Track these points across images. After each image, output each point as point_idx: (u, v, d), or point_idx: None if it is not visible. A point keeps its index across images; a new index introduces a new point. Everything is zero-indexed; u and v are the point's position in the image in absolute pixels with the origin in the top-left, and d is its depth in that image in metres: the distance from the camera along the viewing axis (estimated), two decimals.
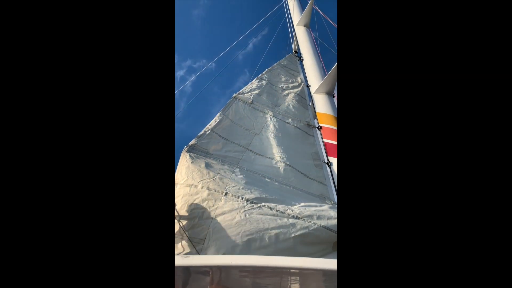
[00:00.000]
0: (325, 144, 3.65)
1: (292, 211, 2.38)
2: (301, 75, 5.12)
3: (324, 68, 5.19)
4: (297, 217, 2.32)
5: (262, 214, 2.27)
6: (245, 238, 2.08)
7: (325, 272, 1.53)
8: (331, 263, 1.49)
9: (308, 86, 4.84)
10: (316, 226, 2.29)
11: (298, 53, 5.78)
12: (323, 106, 4.22)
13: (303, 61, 5.41)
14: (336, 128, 3.88)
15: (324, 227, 2.31)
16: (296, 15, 6.56)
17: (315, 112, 4.26)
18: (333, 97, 4.42)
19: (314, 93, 4.50)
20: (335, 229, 2.34)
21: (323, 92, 4.42)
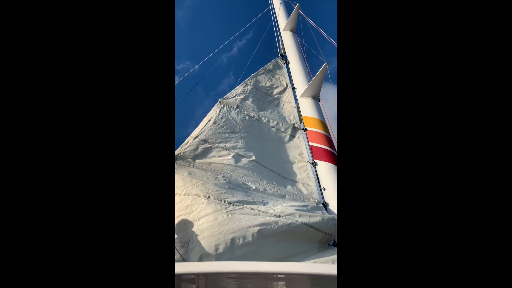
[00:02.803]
0: (311, 147, 3.66)
1: (274, 210, 2.43)
2: (287, 79, 5.15)
3: (309, 72, 5.24)
4: (279, 216, 2.35)
5: (245, 214, 2.31)
6: (228, 236, 2.10)
7: (311, 277, 1.51)
8: (315, 268, 1.47)
9: (294, 89, 4.88)
10: (298, 223, 2.32)
11: (284, 57, 5.81)
12: (309, 110, 4.24)
13: (289, 64, 5.44)
14: (321, 131, 3.90)
15: (306, 224, 2.34)
16: (282, 20, 6.62)
17: (301, 114, 4.29)
18: (319, 101, 4.45)
19: (300, 97, 4.52)
20: (317, 226, 2.38)
21: (309, 96, 4.45)
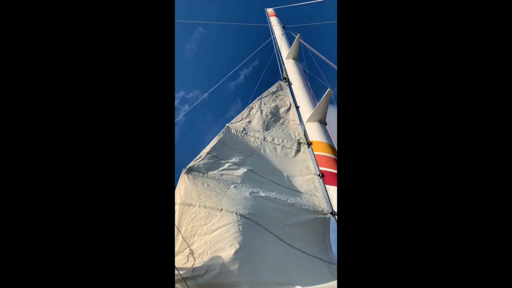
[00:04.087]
0: (321, 171, 3.62)
1: (281, 232, 2.58)
2: (290, 98, 5.37)
3: (314, 98, 5.33)
4: (282, 240, 2.51)
5: (254, 230, 2.48)
6: (239, 248, 2.23)
7: None
8: None
9: (297, 107, 5.07)
10: (297, 250, 2.46)
11: (287, 79, 6.03)
12: (316, 135, 4.25)
13: (292, 86, 5.65)
14: (330, 155, 3.88)
15: (306, 253, 2.47)
16: (284, 49, 6.87)
17: (306, 132, 4.40)
18: (325, 124, 4.48)
19: (306, 122, 4.56)
20: (320, 257, 2.48)
21: (315, 121, 4.48)
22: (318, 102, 4.56)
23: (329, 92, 4.41)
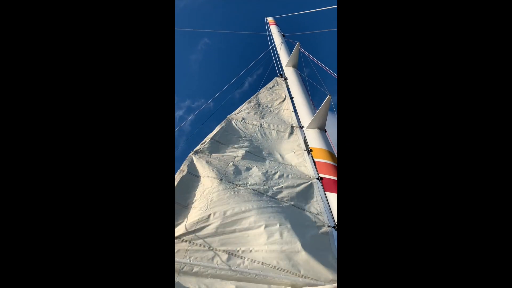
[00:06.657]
0: (322, 178, 3.61)
1: (271, 192, 3.18)
2: (286, 91, 5.79)
3: (313, 105, 5.35)
4: (273, 196, 3.11)
5: (248, 193, 3.09)
6: (234, 205, 2.85)
7: None
8: None
9: (292, 98, 5.48)
10: (287, 204, 3.03)
11: (283, 75, 6.38)
12: (316, 141, 4.25)
13: (287, 80, 6.09)
14: (330, 162, 3.87)
15: (295, 205, 3.04)
16: (284, 57, 6.93)
17: (298, 115, 4.87)
18: (325, 131, 4.49)
19: (306, 128, 4.57)
20: (305, 208, 3.03)
21: (314, 128, 4.49)
22: (317, 110, 4.58)
23: (329, 99, 4.43)
